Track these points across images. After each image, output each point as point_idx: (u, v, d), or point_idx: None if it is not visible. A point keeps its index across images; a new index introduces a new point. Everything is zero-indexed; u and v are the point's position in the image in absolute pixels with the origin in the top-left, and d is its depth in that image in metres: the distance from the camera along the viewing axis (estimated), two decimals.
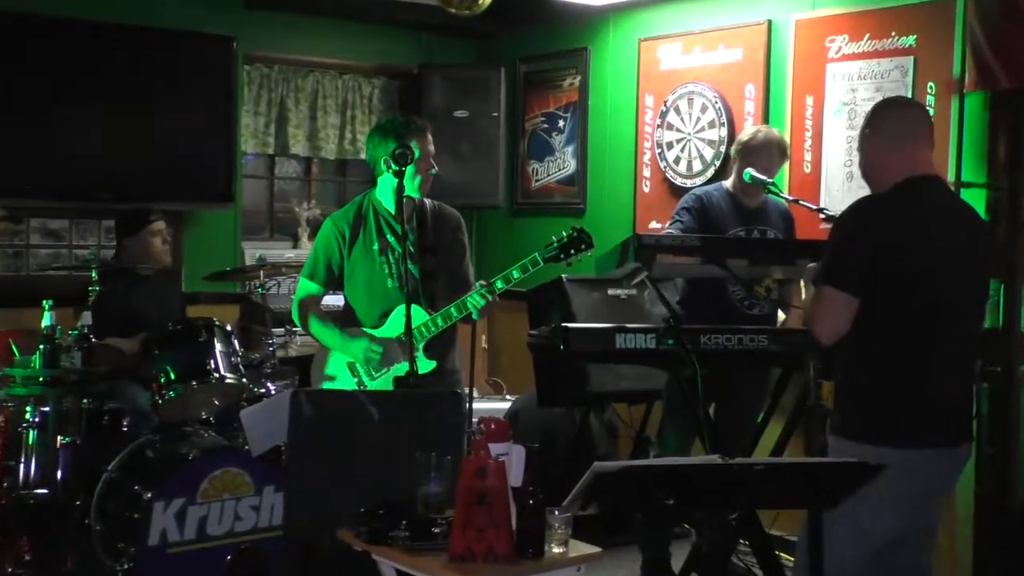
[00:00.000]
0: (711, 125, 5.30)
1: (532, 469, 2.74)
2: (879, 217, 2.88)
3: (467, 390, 3.93)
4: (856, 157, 3.15)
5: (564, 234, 3.59)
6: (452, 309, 3.63)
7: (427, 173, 3.69)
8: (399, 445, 2.79)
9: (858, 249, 2.85)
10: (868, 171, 3.04)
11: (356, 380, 3.77)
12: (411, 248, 3.65)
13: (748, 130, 4.44)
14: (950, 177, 4.18)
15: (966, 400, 3.03)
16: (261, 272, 4.86)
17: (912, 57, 4.46)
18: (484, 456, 2.58)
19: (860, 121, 3.13)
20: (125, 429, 4.26)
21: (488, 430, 2.71)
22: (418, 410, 3.07)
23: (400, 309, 3.65)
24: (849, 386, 2.94)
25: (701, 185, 4.86)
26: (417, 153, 3.60)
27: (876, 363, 2.88)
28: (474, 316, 3.63)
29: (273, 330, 4.76)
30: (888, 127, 2.98)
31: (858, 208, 2.94)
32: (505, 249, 6.17)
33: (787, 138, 4.65)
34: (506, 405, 5.44)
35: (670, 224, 4.27)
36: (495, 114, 6.17)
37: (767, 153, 4.23)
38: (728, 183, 4.34)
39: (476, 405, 5.21)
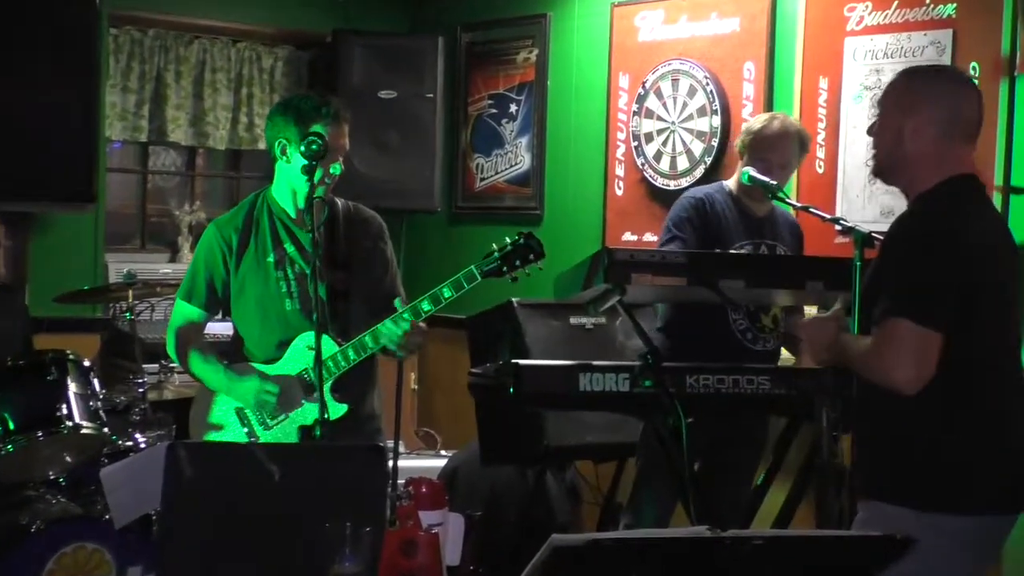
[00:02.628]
0: (701, 112, 5.35)
1: (473, 543, 2.73)
2: (965, 233, 2.81)
3: (391, 443, 3.90)
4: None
5: (508, 241, 3.60)
6: (367, 338, 3.61)
7: (328, 170, 3.64)
8: (304, 512, 2.77)
9: (946, 272, 2.78)
10: (903, 164, 2.92)
11: (247, 430, 3.74)
12: (317, 261, 3.63)
13: (760, 117, 4.42)
14: (997, 181, 4.24)
15: None
16: (129, 292, 4.82)
17: (951, 30, 4.53)
18: (412, 527, 2.57)
19: None
20: None
21: (418, 494, 2.71)
22: (328, 468, 3.04)
23: (302, 338, 3.63)
24: (901, 440, 2.88)
25: (692, 186, 4.88)
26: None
27: (941, 410, 2.83)
28: (397, 353, 3.62)
29: (144, 366, 4.72)
30: (945, 109, 2.88)
31: (940, 216, 2.84)
32: (441, 264, 6.16)
33: None
34: (441, 462, 5.43)
35: (666, 240, 4.21)
36: (430, 95, 6.18)
37: (785, 146, 4.19)
38: (731, 183, 4.34)
39: (403, 462, 5.18)
